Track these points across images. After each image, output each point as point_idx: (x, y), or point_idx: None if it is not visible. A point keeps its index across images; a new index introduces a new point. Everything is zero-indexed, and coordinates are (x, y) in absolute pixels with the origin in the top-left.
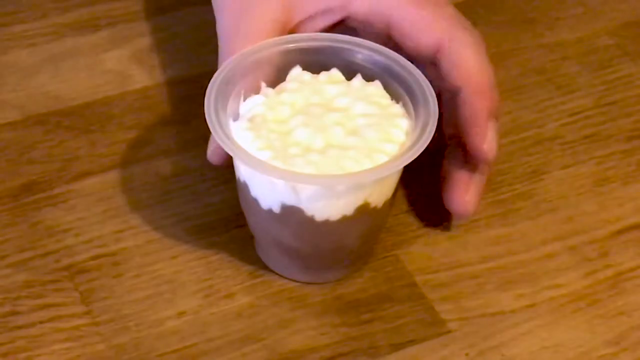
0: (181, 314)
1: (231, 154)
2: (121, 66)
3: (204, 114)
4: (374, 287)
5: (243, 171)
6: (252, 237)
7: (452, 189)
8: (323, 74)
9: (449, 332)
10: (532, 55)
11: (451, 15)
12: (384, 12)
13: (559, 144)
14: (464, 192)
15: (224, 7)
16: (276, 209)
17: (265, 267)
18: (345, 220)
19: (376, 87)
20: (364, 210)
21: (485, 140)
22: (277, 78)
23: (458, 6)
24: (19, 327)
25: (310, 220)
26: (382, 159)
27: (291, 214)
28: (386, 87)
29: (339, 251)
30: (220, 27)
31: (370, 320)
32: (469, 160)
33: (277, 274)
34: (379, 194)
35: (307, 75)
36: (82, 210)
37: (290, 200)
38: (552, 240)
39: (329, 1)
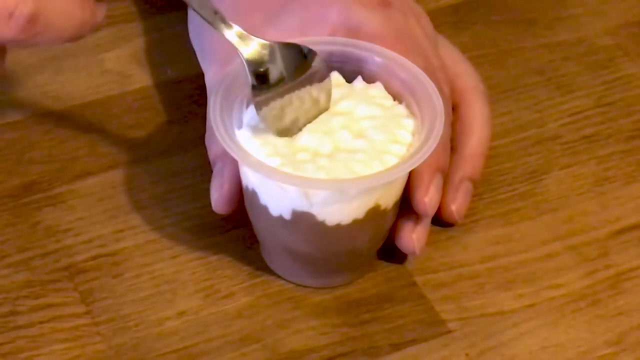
0: (181, 314)
1: (242, 163)
2: (121, 66)
3: (204, 114)
4: (374, 287)
5: (252, 179)
6: (250, 236)
7: (401, 226)
8: None
9: (449, 332)
10: (532, 55)
11: (425, 67)
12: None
13: (559, 144)
14: (411, 231)
15: (212, 60)
16: (287, 215)
17: (265, 267)
18: (356, 223)
19: (378, 88)
20: (374, 213)
21: (427, 194)
22: None
23: (458, 6)
24: (19, 327)
25: (321, 225)
26: (392, 160)
27: (302, 220)
28: (387, 88)
29: (350, 254)
30: (208, 80)
31: (370, 320)
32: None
33: (277, 274)
34: (389, 196)
35: None
36: (82, 210)
37: (302, 206)
38: (552, 240)
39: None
